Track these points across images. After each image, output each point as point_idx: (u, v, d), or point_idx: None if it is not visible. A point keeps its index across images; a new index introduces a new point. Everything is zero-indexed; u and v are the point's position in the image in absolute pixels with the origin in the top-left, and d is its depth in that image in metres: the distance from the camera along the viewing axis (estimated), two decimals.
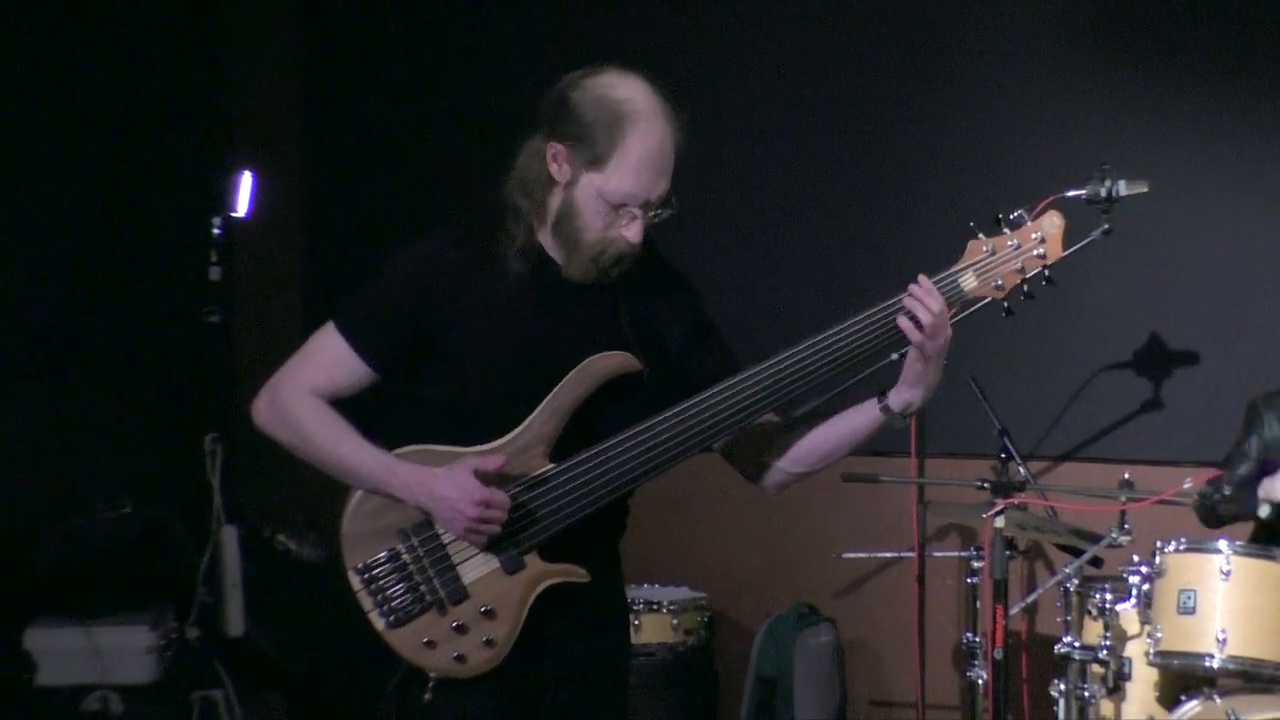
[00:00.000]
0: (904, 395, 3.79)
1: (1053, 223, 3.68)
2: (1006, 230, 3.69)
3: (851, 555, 6.61)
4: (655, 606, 6.44)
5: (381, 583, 3.70)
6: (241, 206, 7.08)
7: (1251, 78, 6.33)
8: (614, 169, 3.58)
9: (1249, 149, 6.34)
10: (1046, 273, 3.71)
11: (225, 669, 6.78)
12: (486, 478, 3.62)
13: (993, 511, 5.12)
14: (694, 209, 7.02)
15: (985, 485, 5.37)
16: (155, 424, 7.56)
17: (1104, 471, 6.09)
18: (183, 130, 7.76)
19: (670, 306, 3.84)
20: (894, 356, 5.94)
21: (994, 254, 3.67)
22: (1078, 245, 5.30)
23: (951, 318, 3.69)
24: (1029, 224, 3.69)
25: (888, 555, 6.61)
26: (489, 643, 3.68)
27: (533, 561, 3.69)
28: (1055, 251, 3.69)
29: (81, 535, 6.71)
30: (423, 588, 3.69)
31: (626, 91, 3.60)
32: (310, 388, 3.72)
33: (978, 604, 6.00)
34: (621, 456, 3.66)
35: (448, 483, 3.62)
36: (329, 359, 3.73)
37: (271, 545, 7.25)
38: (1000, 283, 3.69)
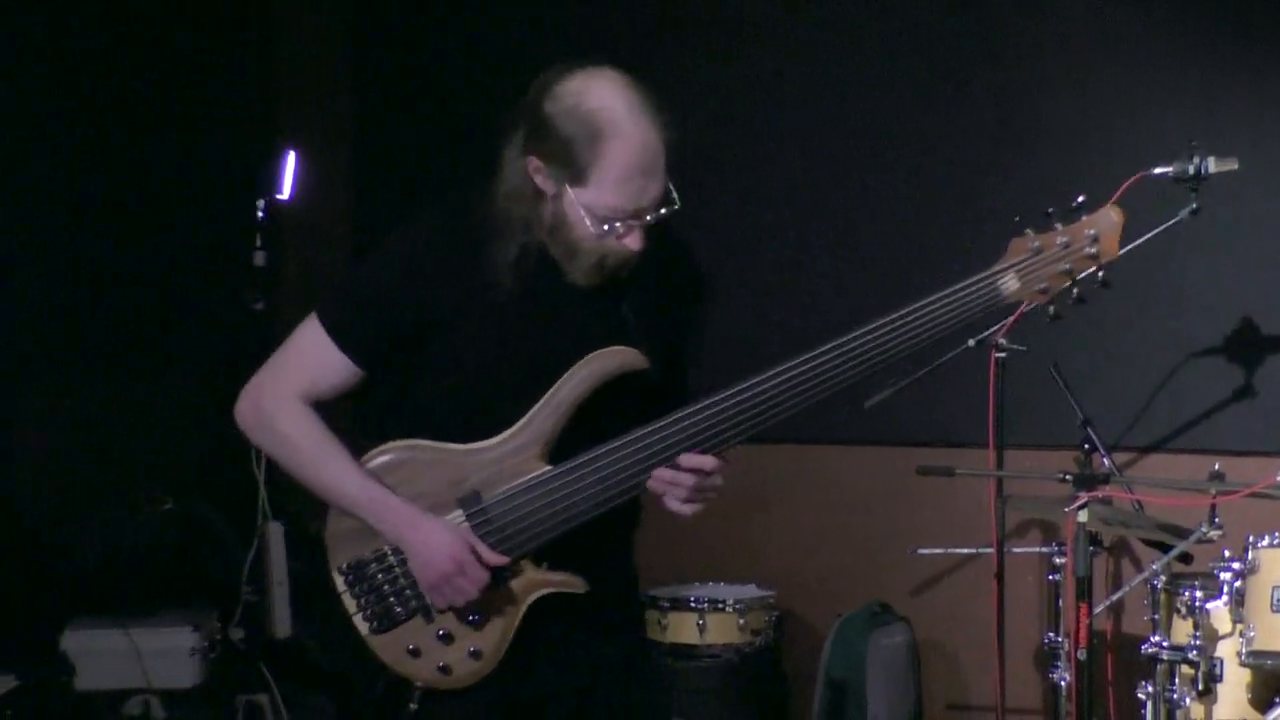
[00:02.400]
0: None
1: (1109, 219, 3.51)
2: (1057, 226, 3.52)
3: (927, 551, 6.61)
4: (720, 605, 6.45)
5: (366, 585, 3.67)
6: (286, 188, 7.11)
7: None
8: (597, 184, 3.49)
9: None
10: (1100, 275, 3.54)
11: (271, 672, 6.82)
12: (480, 554, 3.58)
13: (1076, 505, 5.09)
14: (739, 203, 7.12)
15: (1068, 478, 5.34)
16: (197, 416, 7.58)
17: (1193, 463, 6.06)
18: (225, 107, 7.75)
19: (682, 301, 3.80)
20: (970, 343, 5.99)
21: (1039, 253, 3.52)
22: (1165, 225, 5.34)
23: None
24: (1084, 219, 3.51)
25: (965, 551, 6.59)
26: (475, 653, 3.64)
27: (525, 568, 3.63)
28: (1110, 250, 3.50)
29: (121, 533, 6.76)
30: (408, 592, 3.65)
31: (599, 98, 3.50)
32: (295, 392, 3.66)
33: (1060, 603, 5.98)
34: (625, 460, 3.59)
35: (435, 530, 3.59)
36: (313, 359, 3.67)
37: (318, 541, 7.28)
38: (1045, 286, 3.53)
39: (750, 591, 6.71)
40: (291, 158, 7.10)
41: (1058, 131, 6.70)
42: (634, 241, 3.55)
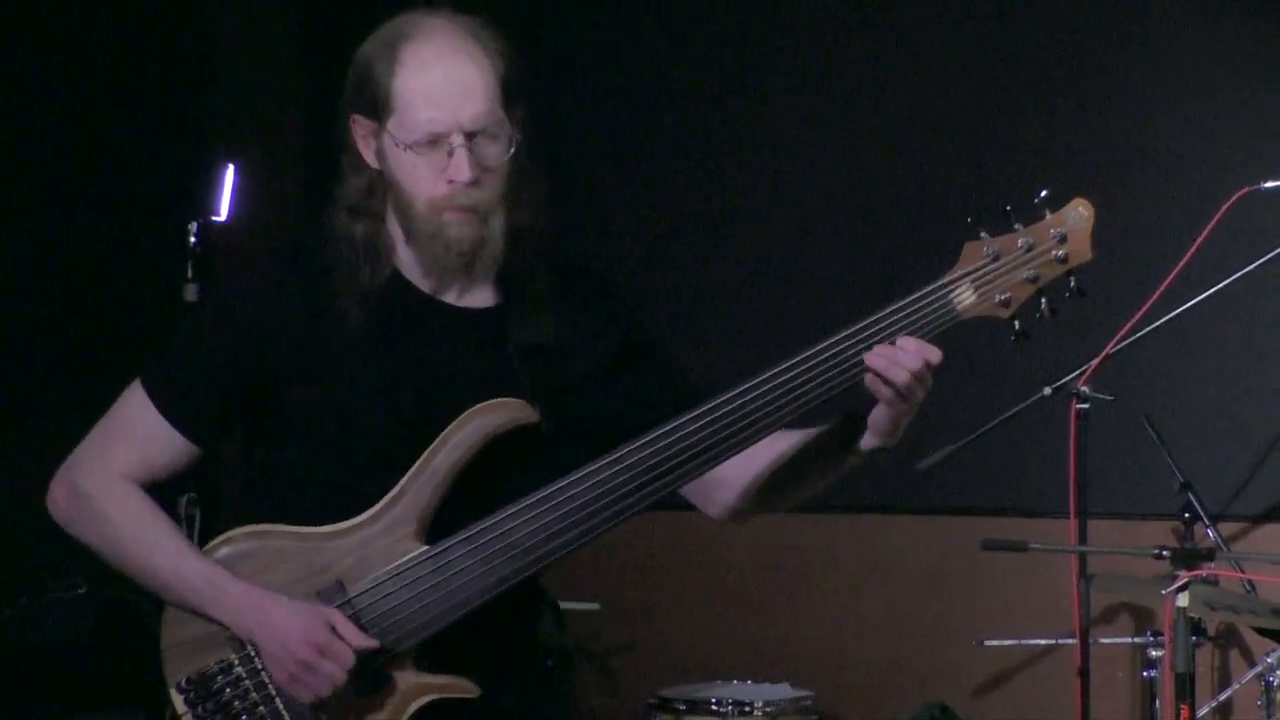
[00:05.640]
0: (872, 443, 3.61)
1: (1078, 214, 3.48)
2: (1017, 227, 3.50)
3: (995, 643, 6.60)
4: (747, 709, 6.43)
5: (211, 703, 3.61)
6: (224, 209, 7.09)
7: None
8: (402, 100, 3.54)
9: None
10: (1073, 282, 3.52)
11: None
12: (343, 634, 3.53)
13: (1174, 586, 5.06)
14: (764, 200, 7.12)
15: (1165, 554, 5.33)
16: None
17: None
18: (153, 112, 7.76)
19: (584, 332, 3.74)
20: (1046, 391, 5.95)
21: (997, 259, 3.50)
22: (1277, 249, 5.30)
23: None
24: (1048, 217, 3.50)
25: (1041, 643, 6.59)
26: None
27: (403, 674, 3.58)
28: (1081, 252, 3.48)
29: (28, 621, 6.73)
30: (262, 709, 3.60)
31: (399, 20, 3.61)
32: (120, 471, 3.65)
33: (1157, 703, 5.98)
34: (516, 534, 3.55)
35: (288, 613, 3.56)
36: (138, 433, 3.67)
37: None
38: (1006, 296, 3.51)
39: (783, 691, 6.70)
40: (230, 173, 7.08)
41: (1155, 144, 6.71)
42: (458, 171, 3.52)
